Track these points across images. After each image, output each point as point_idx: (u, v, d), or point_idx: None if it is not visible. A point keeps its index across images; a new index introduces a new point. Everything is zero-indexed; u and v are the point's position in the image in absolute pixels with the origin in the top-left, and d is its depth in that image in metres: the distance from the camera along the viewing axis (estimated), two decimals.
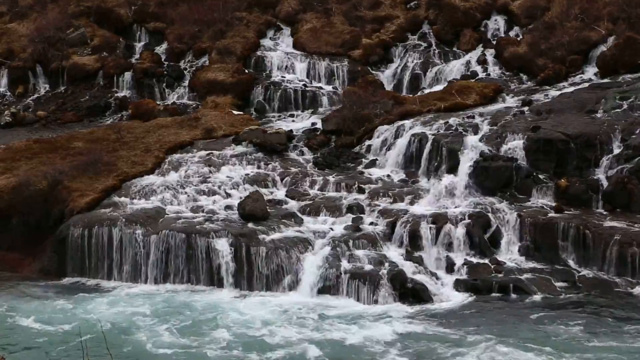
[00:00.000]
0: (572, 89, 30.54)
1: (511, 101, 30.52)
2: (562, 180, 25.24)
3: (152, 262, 24.00)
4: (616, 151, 25.55)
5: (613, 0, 33.93)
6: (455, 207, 25.05)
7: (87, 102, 35.81)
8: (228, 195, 26.35)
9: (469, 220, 24.21)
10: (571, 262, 23.42)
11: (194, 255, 23.75)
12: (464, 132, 27.45)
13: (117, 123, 33.13)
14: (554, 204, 24.76)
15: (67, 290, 23.41)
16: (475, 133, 27.39)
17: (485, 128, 27.63)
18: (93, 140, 29.62)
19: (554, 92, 30.58)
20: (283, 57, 36.69)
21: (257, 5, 39.70)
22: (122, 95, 36.11)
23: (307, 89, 34.89)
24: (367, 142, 29.25)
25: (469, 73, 34.17)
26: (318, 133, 30.59)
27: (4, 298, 22.72)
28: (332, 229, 24.43)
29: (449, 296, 22.37)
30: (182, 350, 19.49)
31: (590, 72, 32.07)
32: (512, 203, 24.96)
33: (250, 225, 24.48)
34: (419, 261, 23.41)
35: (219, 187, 26.76)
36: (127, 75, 36.66)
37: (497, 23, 36.91)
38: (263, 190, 26.36)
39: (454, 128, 27.79)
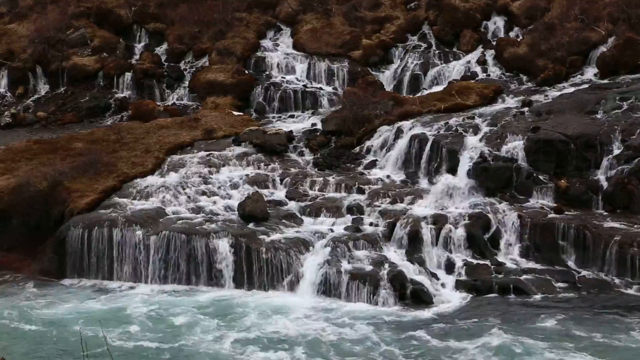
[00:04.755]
0: (572, 89, 30.57)
1: (511, 102, 30.55)
2: (562, 181, 25.25)
3: (152, 263, 23.99)
4: (616, 152, 25.55)
5: (613, 1, 33.96)
6: (455, 207, 25.06)
7: (87, 102, 35.81)
8: (228, 196, 26.36)
9: (469, 221, 24.21)
10: (571, 263, 23.41)
11: (194, 255, 23.75)
12: (464, 133, 27.46)
13: (117, 124, 33.15)
14: (554, 205, 24.77)
15: (67, 291, 23.41)
16: (475, 134, 27.41)
17: (485, 129, 27.65)
18: (93, 141, 29.63)
19: (553, 93, 30.61)
20: (283, 58, 36.74)
21: (257, 6, 39.75)
22: (122, 96, 36.13)
23: (307, 89, 34.91)
24: (367, 143, 29.27)
25: (469, 74, 34.18)
26: (318, 134, 30.61)
27: (3, 299, 22.72)
28: (332, 229, 24.44)
29: (449, 297, 22.36)
30: (183, 350, 19.50)
31: (590, 72, 32.10)
32: (512, 204, 24.96)
33: (250, 225, 24.49)
34: (419, 262, 23.41)
35: (219, 187, 26.77)
36: (127, 76, 36.70)
37: (497, 24, 36.94)
38: (263, 191, 26.37)
39: (454, 129, 27.80)
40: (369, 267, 22.88)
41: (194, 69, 37.00)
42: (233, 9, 39.16)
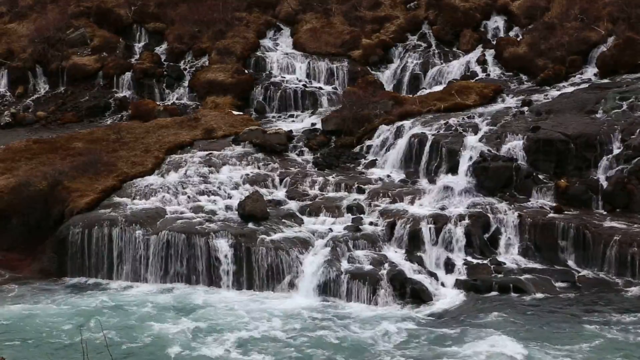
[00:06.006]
0: (571, 89, 30.55)
1: (511, 101, 30.54)
2: (562, 181, 25.25)
3: (152, 263, 24.01)
4: (616, 151, 25.55)
5: (613, 1, 33.94)
6: (455, 207, 25.05)
7: (87, 102, 35.80)
8: (228, 196, 26.35)
9: (469, 221, 24.22)
10: (571, 262, 23.43)
11: (194, 255, 23.75)
12: (463, 133, 27.45)
13: (117, 123, 33.14)
14: (553, 204, 24.77)
15: (67, 290, 23.42)
16: (475, 133, 27.41)
17: (485, 128, 27.65)
18: (93, 140, 29.63)
19: (553, 93, 30.60)
20: (283, 58, 36.72)
21: (257, 6, 39.73)
22: (122, 96, 36.11)
23: (307, 89, 34.90)
24: (367, 143, 29.27)
25: (468, 73, 34.17)
26: (318, 133, 30.60)
27: (3, 298, 22.72)
28: (332, 229, 24.44)
29: (448, 296, 22.37)
30: (183, 350, 19.49)
31: (590, 72, 32.08)
32: (512, 203, 24.97)
33: (250, 225, 24.49)
34: (419, 261, 23.42)
35: (219, 187, 26.77)
36: (127, 75, 36.67)
37: (496, 23, 36.92)
38: (263, 191, 26.36)
39: (453, 128, 27.80)
40: (368, 267, 22.88)
41: (193, 69, 36.99)
42: (233, 9, 39.13)
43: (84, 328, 20.28)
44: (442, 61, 35.48)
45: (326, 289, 22.68)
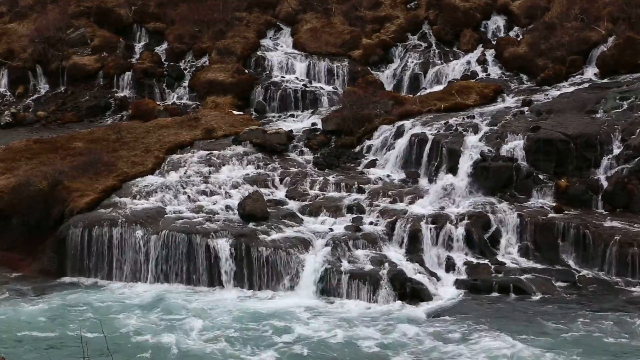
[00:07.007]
0: (572, 89, 30.56)
1: (511, 101, 30.54)
2: (562, 181, 25.25)
3: (152, 262, 24.00)
4: (616, 151, 25.56)
5: (613, 0, 33.94)
6: (455, 207, 25.05)
7: (87, 102, 35.80)
8: (228, 196, 26.36)
9: (469, 221, 24.21)
10: (571, 262, 23.43)
11: (194, 255, 23.75)
12: (464, 132, 27.45)
13: (117, 123, 33.13)
14: (554, 204, 24.77)
15: (67, 290, 23.39)
16: (475, 133, 27.40)
17: (485, 128, 27.64)
18: (93, 140, 29.63)
19: (554, 92, 30.60)
20: (283, 57, 36.71)
21: (257, 6, 39.72)
22: (122, 96, 36.12)
23: (307, 89, 34.90)
24: (367, 142, 29.27)
25: (469, 73, 34.16)
26: (318, 133, 30.60)
27: (3, 298, 22.72)
28: (332, 229, 24.44)
29: (448, 296, 22.37)
30: (183, 350, 19.50)
31: (590, 72, 32.08)
32: (512, 203, 24.97)
33: (250, 225, 24.49)
34: (419, 261, 23.42)
35: (219, 187, 26.77)
36: (127, 75, 36.67)
37: (497, 23, 36.92)
38: (263, 191, 26.36)
39: (454, 128, 27.79)
40: (368, 267, 22.88)
41: (194, 69, 36.99)
42: (233, 9, 39.12)
43: (84, 328, 20.28)
44: (442, 61, 35.47)
45: (326, 288, 22.69)
